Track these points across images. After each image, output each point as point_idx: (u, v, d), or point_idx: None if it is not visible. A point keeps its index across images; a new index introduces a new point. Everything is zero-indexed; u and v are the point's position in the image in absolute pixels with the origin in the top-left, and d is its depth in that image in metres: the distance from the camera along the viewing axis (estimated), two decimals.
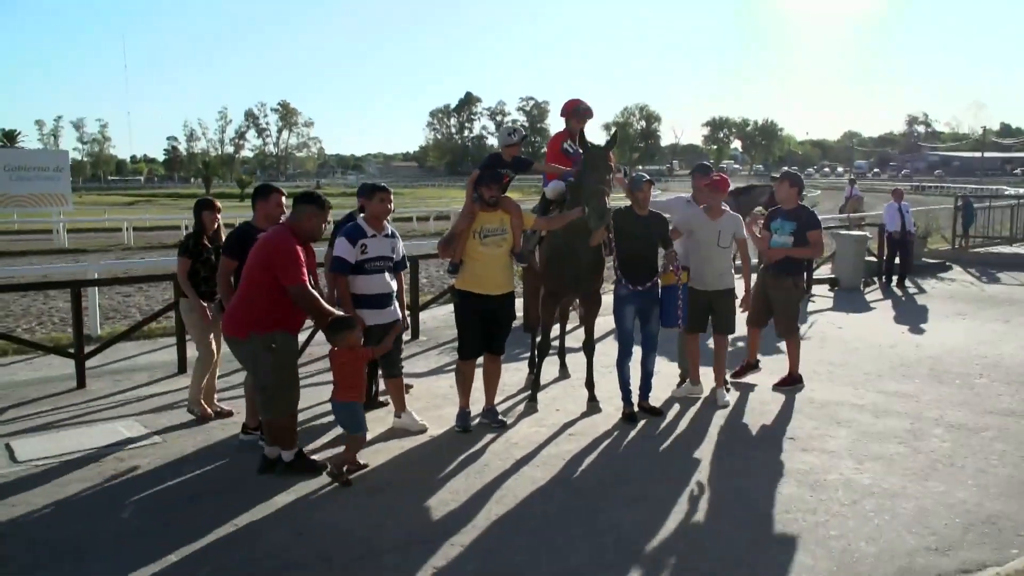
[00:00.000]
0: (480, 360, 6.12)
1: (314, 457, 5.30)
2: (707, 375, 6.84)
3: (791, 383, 7.05)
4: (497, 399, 6.31)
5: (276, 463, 5.13)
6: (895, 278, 13.83)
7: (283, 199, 5.73)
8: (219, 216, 6.42)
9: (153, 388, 7.29)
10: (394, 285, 5.77)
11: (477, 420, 6.12)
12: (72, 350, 7.58)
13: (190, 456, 5.50)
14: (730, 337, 6.86)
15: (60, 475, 5.16)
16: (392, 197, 5.80)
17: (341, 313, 5.15)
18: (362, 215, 5.84)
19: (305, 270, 4.92)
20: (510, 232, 5.92)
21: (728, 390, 6.85)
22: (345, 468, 5.02)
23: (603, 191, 5.83)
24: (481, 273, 5.88)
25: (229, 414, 6.31)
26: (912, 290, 13.29)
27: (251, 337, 4.95)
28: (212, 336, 6.25)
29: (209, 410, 6.28)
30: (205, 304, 6.16)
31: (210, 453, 5.56)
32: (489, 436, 5.87)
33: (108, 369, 7.91)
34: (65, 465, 5.32)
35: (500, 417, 6.17)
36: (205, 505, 4.72)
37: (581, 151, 6.22)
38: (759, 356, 7.37)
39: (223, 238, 6.21)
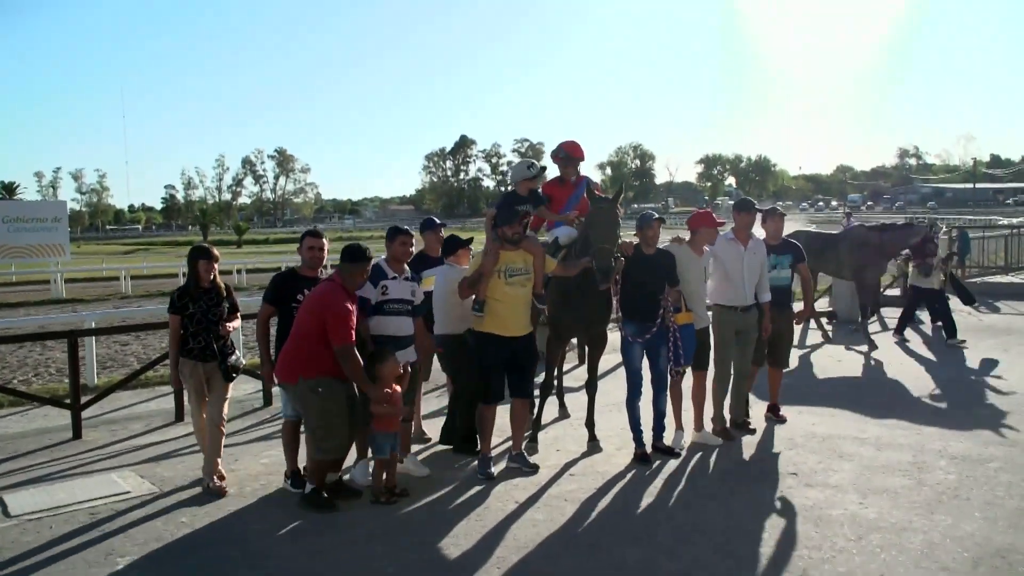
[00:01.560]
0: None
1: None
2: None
3: (779, 411, 7.21)
4: (495, 440, 6.21)
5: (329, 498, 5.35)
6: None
7: (316, 239, 5.78)
8: (216, 265, 5.81)
9: (150, 437, 7.22)
10: (411, 328, 5.72)
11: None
12: (68, 400, 7.53)
13: (187, 507, 5.42)
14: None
15: (54, 528, 5.08)
16: (412, 240, 5.79)
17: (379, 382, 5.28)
18: (384, 257, 5.77)
19: (353, 331, 5.09)
20: (532, 272, 5.86)
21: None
22: (387, 491, 5.39)
23: (608, 250, 5.78)
24: (504, 314, 5.75)
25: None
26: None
27: (300, 381, 5.17)
28: (207, 394, 5.79)
29: (220, 484, 5.65)
30: (194, 363, 5.68)
31: (208, 504, 5.48)
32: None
33: (104, 419, 7.85)
34: (59, 518, 5.24)
35: (532, 460, 6.06)
36: (203, 557, 4.64)
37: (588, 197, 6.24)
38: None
39: (222, 288, 5.87)
